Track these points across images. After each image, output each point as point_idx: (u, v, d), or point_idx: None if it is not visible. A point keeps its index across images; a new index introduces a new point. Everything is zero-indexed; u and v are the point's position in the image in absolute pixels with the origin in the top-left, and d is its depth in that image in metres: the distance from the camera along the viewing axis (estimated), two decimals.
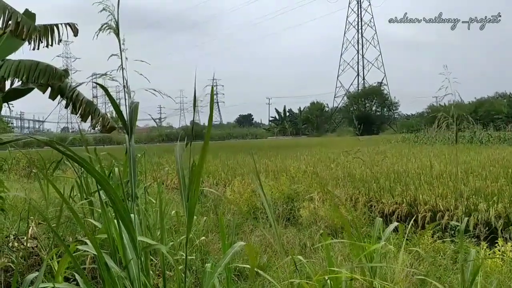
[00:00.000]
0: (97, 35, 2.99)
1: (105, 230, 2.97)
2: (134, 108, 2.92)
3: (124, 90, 3.07)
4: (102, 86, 2.98)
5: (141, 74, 3.18)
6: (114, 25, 2.97)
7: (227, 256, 2.73)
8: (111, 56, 3.02)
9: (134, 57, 3.09)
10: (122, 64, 3.01)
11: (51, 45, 6.10)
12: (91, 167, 2.65)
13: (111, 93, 2.99)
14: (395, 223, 3.94)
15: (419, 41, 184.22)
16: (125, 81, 3.04)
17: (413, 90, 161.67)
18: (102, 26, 2.96)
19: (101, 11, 2.95)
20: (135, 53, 3.13)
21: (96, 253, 2.73)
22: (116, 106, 2.89)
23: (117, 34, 2.99)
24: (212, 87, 2.65)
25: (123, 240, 2.85)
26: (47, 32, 6.12)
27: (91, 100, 6.76)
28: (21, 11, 5.79)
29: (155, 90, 3.18)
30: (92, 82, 3.30)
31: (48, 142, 2.62)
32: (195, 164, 2.64)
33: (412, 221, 5.06)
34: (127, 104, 3.02)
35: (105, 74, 2.99)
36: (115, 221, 2.86)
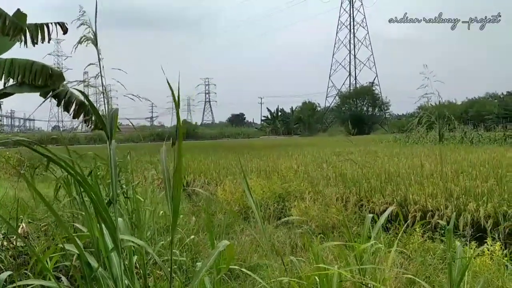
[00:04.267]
0: (75, 48, 3.17)
1: (88, 230, 3.01)
2: (113, 115, 3.05)
3: (103, 97, 3.25)
4: (82, 93, 3.27)
5: (118, 81, 3.39)
6: (93, 37, 3.13)
7: (212, 256, 2.77)
8: (88, 65, 3.22)
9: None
10: (100, 72, 3.20)
11: (42, 42, 6.09)
12: (70, 168, 2.67)
13: (99, 89, 3.16)
14: (383, 216, 3.96)
15: (411, 41, 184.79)
16: (103, 88, 3.23)
17: (404, 90, 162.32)
18: (80, 39, 3.12)
19: (78, 26, 3.17)
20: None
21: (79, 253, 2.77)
22: (97, 112, 3.05)
23: (96, 45, 3.16)
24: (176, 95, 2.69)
25: (104, 240, 2.88)
26: (37, 31, 6.11)
27: (83, 100, 6.76)
28: (12, 10, 5.76)
29: (133, 95, 3.40)
30: (75, 89, 3.52)
31: (22, 142, 2.64)
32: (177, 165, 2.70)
33: (402, 221, 5.07)
34: (106, 110, 3.16)
35: (83, 81, 3.20)
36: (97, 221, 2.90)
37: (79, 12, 3.19)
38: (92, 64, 3.16)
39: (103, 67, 3.19)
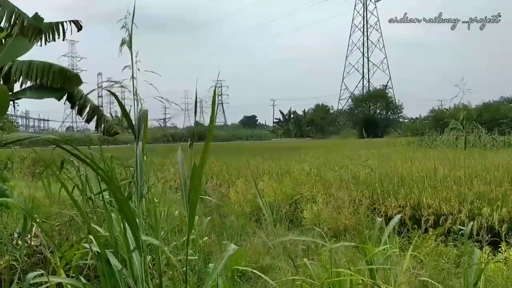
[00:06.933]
0: (121, 51, 3.26)
1: (108, 229, 3.03)
2: (142, 115, 3.09)
3: (134, 98, 3.30)
4: (113, 94, 3.27)
5: (151, 84, 3.44)
6: (128, 39, 3.24)
7: (223, 259, 2.81)
8: (124, 68, 3.28)
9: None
10: (133, 75, 3.26)
11: (58, 39, 6.20)
12: (97, 167, 2.69)
13: (117, 93, 3.21)
14: (396, 217, 3.94)
15: (422, 43, 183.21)
16: (135, 90, 3.29)
17: (416, 93, 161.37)
18: (122, 42, 3.24)
19: (121, 28, 3.26)
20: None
21: (99, 251, 2.79)
22: (126, 113, 3.11)
23: (130, 47, 3.24)
24: (215, 93, 2.71)
25: (127, 239, 2.90)
26: (53, 29, 6.19)
27: (97, 104, 6.85)
28: (29, 11, 5.84)
29: (163, 98, 3.52)
30: (105, 89, 3.65)
31: (55, 141, 2.67)
32: (196, 166, 2.71)
33: (414, 225, 5.05)
34: (136, 111, 3.23)
35: (116, 82, 3.26)
36: (120, 220, 2.92)
37: (125, 15, 3.27)
38: (127, 66, 3.24)
39: (138, 69, 3.27)
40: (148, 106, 3.35)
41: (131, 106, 3.28)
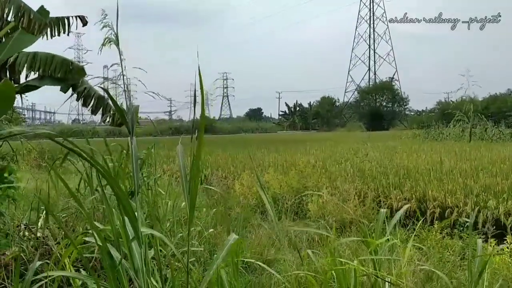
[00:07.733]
0: (101, 50, 3.28)
1: (109, 222, 3.07)
2: (134, 111, 3.16)
3: (125, 95, 3.38)
4: (106, 91, 3.35)
5: (139, 81, 3.53)
6: (115, 38, 3.22)
7: (224, 249, 2.83)
8: (112, 65, 3.35)
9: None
10: (122, 72, 3.30)
11: (62, 33, 6.24)
12: (94, 161, 2.72)
13: (121, 87, 3.26)
14: (402, 209, 3.94)
15: (428, 36, 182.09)
16: (125, 86, 3.36)
17: (417, 90, 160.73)
18: (104, 41, 3.21)
19: (102, 28, 3.24)
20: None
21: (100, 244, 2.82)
22: (119, 109, 3.19)
23: (117, 45, 3.24)
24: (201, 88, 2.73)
25: (126, 232, 2.93)
26: (58, 24, 6.24)
27: (102, 94, 6.87)
28: (35, 6, 5.87)
29: (153, 93, 3.60)
30: (97, 86, 3.70)
31: (48, 135, 2.70)
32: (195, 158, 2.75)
33: (420, 216, 5.05)
34: (129, 106, 3.30)
35: (108, 79, 3.30)
36: (119, 213, 2.95)
37: (102, 15, 3.25)
38: (115, 64, 3.26)
39: (125, 67, 3.30)
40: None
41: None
